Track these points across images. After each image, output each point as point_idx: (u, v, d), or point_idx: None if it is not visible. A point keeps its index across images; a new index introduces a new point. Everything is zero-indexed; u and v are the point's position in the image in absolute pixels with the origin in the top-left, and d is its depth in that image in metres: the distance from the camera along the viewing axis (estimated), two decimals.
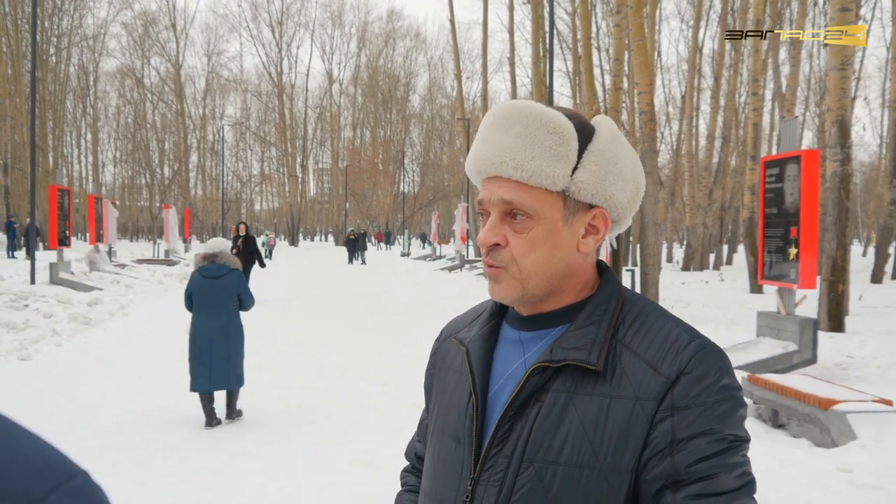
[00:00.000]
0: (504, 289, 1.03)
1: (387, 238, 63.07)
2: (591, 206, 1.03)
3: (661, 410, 0.93)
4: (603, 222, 1.04)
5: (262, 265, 15.58)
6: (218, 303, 6.16)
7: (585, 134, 1.03)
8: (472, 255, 32.97)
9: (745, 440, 0.94)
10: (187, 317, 6.45)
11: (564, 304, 1.05)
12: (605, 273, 1.09)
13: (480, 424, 1.04)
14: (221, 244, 6.40)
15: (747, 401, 6.54)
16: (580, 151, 1.01)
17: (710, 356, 0.95)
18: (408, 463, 1.34)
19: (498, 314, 1.13)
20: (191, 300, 6.19)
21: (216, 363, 6.07)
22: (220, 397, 6.45)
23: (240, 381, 6.27)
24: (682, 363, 0.94)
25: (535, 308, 1.06)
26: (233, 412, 6.29)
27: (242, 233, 15.65)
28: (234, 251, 14.64)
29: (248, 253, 15.22)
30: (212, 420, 6.05)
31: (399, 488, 1.32)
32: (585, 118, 1.06)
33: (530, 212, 1.00)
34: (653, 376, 0.94)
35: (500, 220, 1.02)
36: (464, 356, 1.10)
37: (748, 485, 0.92)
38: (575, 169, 1.01)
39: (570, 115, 1.03)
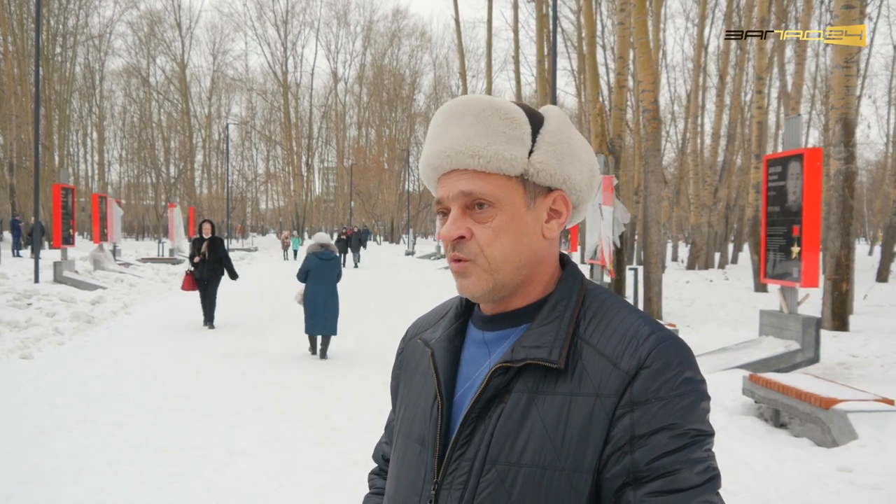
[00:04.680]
0: (474, 283, 1.01)
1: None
2: (550, 190, 1.03)
3: (621, 406, 0.91)
4: (564, 205, 1.04)
5: (234, 276, 11.87)
6: (328, 277, 9.16)
7: (536, 119, 1.03)
8: None
9: (708, 434, 0.92)
10: (191, 315, 6.90)
11: (529, 302, 1.04)
12: (567, 266, 1.07)
13: (445, 428, 1.02)
14: (328, 238, 9.40)
15: (749, 400, 6.50)
16: (533, 135, 1.01)
17: (671, 349, 0.93)
18: (376, 465, 1.32)
19: (463, 314, 1.11)
20: (306, 274, 9.08)
21: (327, 316, 9.05)
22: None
23: (334, 329, 9.19)
24: (642, 357, 0.92)
25: (499, 307, 1.05)
26: (325, 353, 9.19)
27: (207, 234, 11.69)
28: (198, 259, 11.54)
29: (215, 261, 11.65)
30: (315, 352, 9.29)
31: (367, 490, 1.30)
32: (533, 107, 1.06)
33: (492, 199, 0.99)
34: (612, 371, 0.93)
35: (462, 213, 1.01)
36: (429, 358, 1.08)
37: (711, 480, 0.90)
38: (531, 152, 1.01)
39: (518, 105, 1.04)
